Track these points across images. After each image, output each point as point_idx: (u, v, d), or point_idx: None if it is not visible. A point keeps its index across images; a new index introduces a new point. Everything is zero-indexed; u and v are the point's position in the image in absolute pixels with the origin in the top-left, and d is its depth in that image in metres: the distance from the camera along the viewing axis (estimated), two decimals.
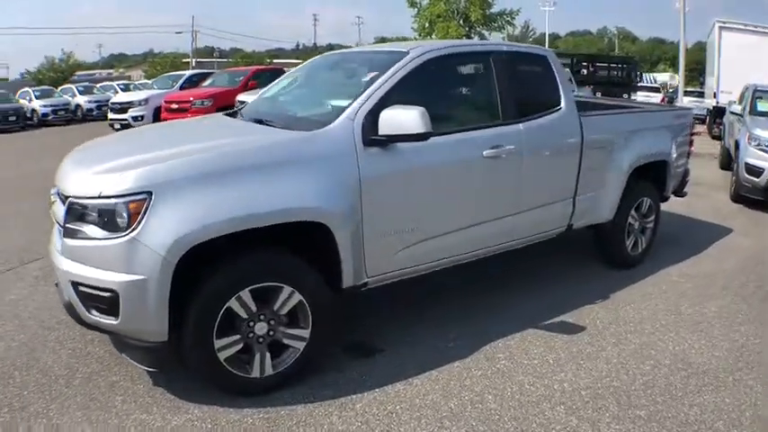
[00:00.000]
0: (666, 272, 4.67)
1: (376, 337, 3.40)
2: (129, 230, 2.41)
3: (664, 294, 4.22)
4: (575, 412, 2.72)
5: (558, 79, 3.94)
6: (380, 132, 2.87)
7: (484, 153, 3.35)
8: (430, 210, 3.22)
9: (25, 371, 2.97)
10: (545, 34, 51.76)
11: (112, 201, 2.42)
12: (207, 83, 15.47)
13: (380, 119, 2.86)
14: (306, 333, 2.85)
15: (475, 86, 3.74)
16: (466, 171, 3.33)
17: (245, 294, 2.62)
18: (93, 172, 2.59)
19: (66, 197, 2.58)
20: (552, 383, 2.98)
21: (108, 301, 2.45)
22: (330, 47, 57.70)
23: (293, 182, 2.69)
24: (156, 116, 14.21)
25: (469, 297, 4.05)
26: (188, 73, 18.48)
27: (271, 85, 4.32)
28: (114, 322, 2.49)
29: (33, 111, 21.17)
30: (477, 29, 24.01)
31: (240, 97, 10.57)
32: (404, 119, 2.82)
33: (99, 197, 2.45)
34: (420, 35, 24.19)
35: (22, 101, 21.73)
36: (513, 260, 4.88)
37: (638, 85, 18.28)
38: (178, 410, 2.67)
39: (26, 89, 23.46)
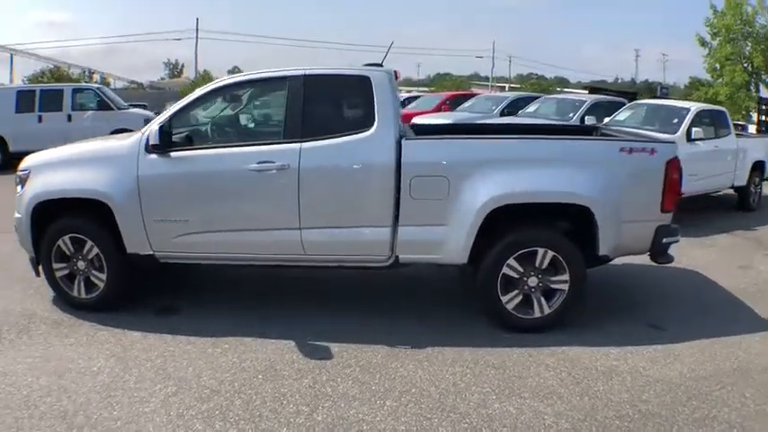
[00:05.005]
0: (563, 351, 3.71)
1: (188, 306, 4.46)
2: (22, 190, 4.34)
3: (481, 374, 3.44)
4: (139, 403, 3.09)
5: (375, 101, 3.92)
6: (150, 143, 3.99)
7: (249, 167, 3.94)
8: (197, 208, 4.10)
9: (5, 271, 5.22)
10: None
11: (20, 173, 4.42)
12: (412, 105, 16.62)
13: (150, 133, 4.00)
14: (104, 277, 4.24)
15: (261, 109, 4.28)
16: (229, 181, 4.04)
17: (66, 239, 4.23)
18: (27, 157, 4.67)
19: None
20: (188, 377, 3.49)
21: (15, 227, 4.45)
22: (647, 82, 54.14)
23: (95, 173, 4.14)
24: None
25: (300, 303, 4.52)
26: (407, 95, 19.88)
27: None
28: (19, 240, 4.48)
29: None
30: (762, 76, 21.61)
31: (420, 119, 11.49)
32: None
33: (18, 171, 4.48)
34: (712, 77, 22.98)
35: None
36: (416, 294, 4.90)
37: None
38: (41, 302, 4.45)
39: None
